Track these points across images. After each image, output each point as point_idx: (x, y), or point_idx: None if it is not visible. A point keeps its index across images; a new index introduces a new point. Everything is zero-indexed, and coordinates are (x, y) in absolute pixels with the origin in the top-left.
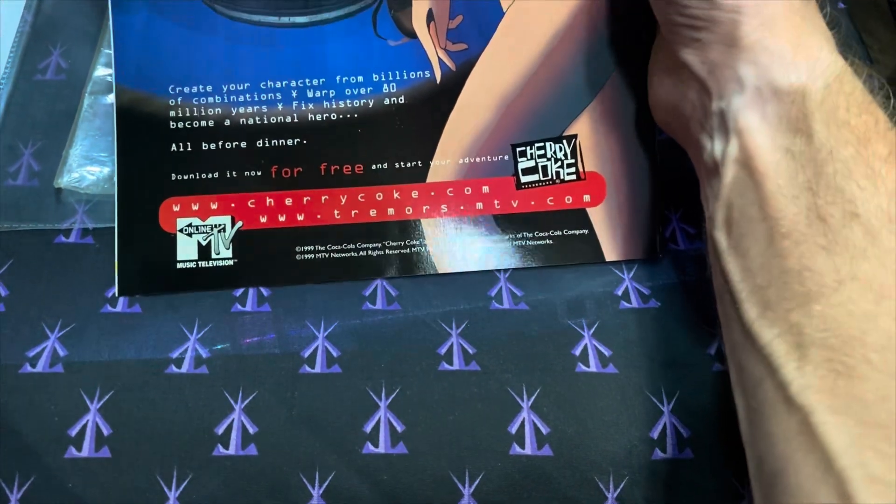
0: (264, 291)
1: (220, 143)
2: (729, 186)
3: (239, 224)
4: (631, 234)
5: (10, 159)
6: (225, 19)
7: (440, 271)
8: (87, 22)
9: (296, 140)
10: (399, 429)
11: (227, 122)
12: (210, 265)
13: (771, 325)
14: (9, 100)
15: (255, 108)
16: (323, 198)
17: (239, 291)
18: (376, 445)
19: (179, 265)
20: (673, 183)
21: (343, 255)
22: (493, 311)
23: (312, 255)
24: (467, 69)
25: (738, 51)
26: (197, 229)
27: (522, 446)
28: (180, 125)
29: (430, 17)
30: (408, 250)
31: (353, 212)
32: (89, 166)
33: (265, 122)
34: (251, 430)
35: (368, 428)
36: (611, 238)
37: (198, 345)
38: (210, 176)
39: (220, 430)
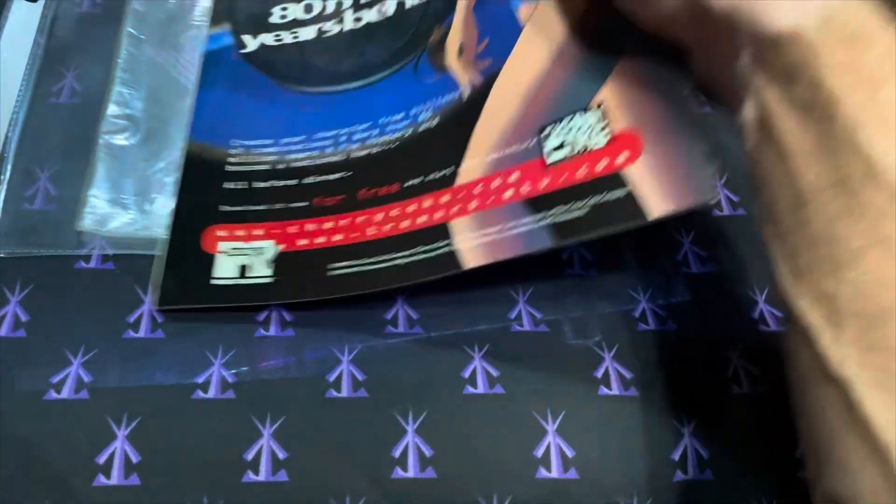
0: (287, 316)
1: (271, 182)
2: (753, 152)
3: (280, 247)
4: (679, 182)
5: (27, 183)
6: (292, 94)
7: (467, 267)
8: (98, 46)
9: (339, 174)
10: (427, 453)
11: (280, 166)
12: (247, 282)
13: (804, 294)
14: (24, 123)
15: (307, 153)
16: (359, 218)
17: (262, 316)
18: (405, 470)
19: (214, 281)
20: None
21: (373, 266)
22: (515, 333)
23: (345, 270)
24: (492, 79)
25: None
26: (239, 251)
27: (549, 470)
28: (236, 168)
29: (461, 50)
30: (434, 252)
31: (386, 226)
32: (112, 209)
33: (314, 164)
34: (280, 455)
35: (397, 453)
36: (657, 191)
37: (223, 369)
38: (257, 208)
39: (250, 457)
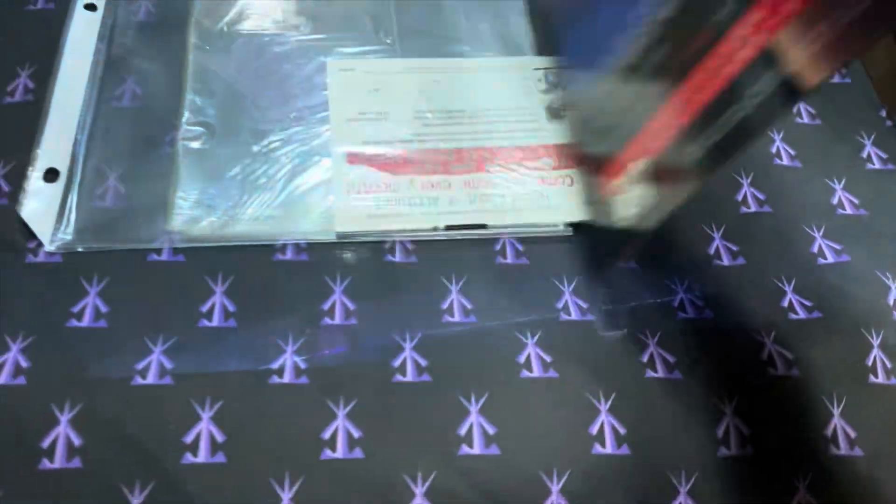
0: (350, 305)
1: None
2: None
3: None
4: None
5: (97, 182)
6: None
7: None
8: (155, 52)
9: None
10: (490, 431)
11: None
12: None
13: None
14: (91, 126)
15: None
16: None
17: (327, 305)
18: (471, 447)
19: None
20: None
21: None
22: (563, 322)
23: None
24: None
25: None
26: None
27: (603, 446)
28: None
29: None
30: None
31: None
32: (198, 210)
33: None
34: (356, 434)
35: (462, 431)
36: None
37: (294, 356)
38: None
39: (327, 436)
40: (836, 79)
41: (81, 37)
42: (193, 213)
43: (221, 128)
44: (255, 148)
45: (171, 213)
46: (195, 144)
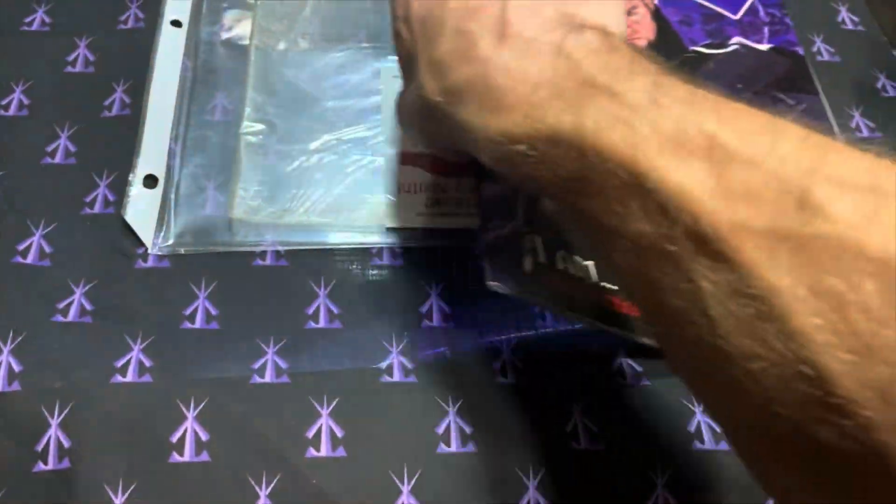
0: (446, 308)
1: None
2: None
3: None
4: None
5: (197, 192)
6: None
7: None
8: (237, 66)
9: None
10: (467, 431)
11: None
12: None
13: None
14: (184, 137)
15: None
16: None
17: (425, 308)
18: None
19: None
20: None
21: None
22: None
23: None
24: None
25: None
26: None
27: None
28: None
29: None
30: None
31: None
32: (258, 201)
33: None
34: (467, 430)
35: (441, 430)
36: None
37: (400, 356)
38: None
39: (441, 430)
40: None
41: (169, 52)
42: (253, 203)
43: (281, 125)
44: (312, 145)
45: (234, 203)
46: (255, 139)
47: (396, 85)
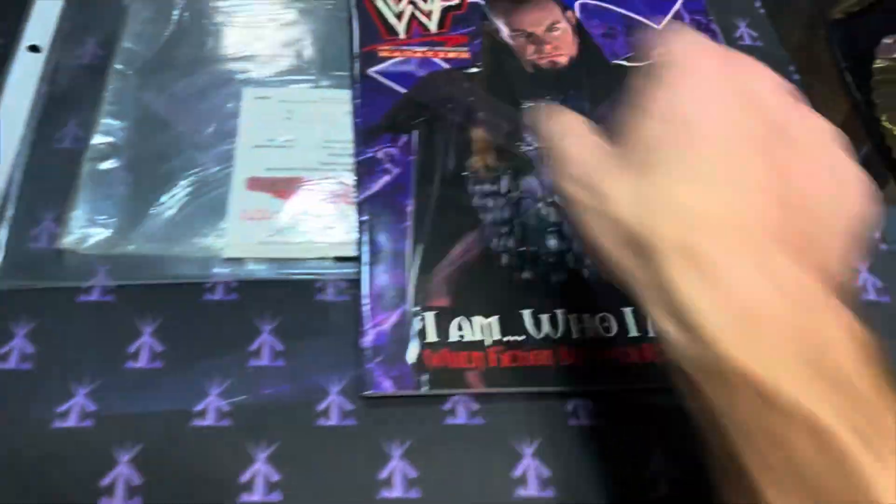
0: (277, 346)
1: None
2: None
3: None
4: None
5: (31, 224)
6: None
7: None
8: (94, 92)
9: None
10: (412, 475)
11: None
12: None
13: None
14: (27, 166)
15: None
16: None
17: (255, 346)
18: (390, 491)
19: None
20: None
21: None
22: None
23: None
24: None
25: None
26: None
27: (526, 488)
28: None
29: None
30: None
31: None
32: (91, 228)
33: None
34: (273, 478)
35: (384, 475)
36: None
37: (217, 399)
38: None
39: (244, 479)
40: None
41: (23, 79)
42: (86, 230)
43: (128, 150)
44: (159, 170)
45: (64, 233)
46: (99, 165)
47: (257, 107)
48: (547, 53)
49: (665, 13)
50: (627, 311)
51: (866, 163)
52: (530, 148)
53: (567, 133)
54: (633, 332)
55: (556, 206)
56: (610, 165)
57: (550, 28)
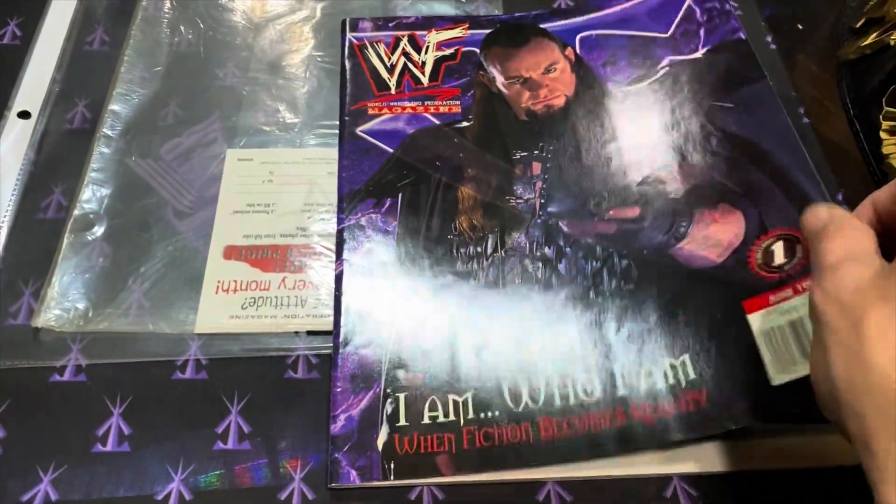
0: (244, 428)
1: None
2: None
3: None
4: None
5: (11, 298)
6: None
7: None
8: (80, 157)
9: None
10: None
11: None
12: None
13: None
14: (9, 238)
15: None
16: None
17: (220, 428)
18: None
19: None
20: None
21: None
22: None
23: None
24: None
25: None
26: None
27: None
28: None
29: None
30: None
31: None
32: (67, 303)
33: None
34: None
35: None
36: None
37: (181, 485)
38: None
39: None
40: None
41: (12, 146)
42: (62, 306)
43: (110, 218)
44: (139, 240)
45: (40, 310)
46: (80, 236)
47: (239, 169)
48: (542, 98)
49: (671, 21)
50: (615, 367)
51: None
52: (520, 201)
53: (849, 255)
54: (621, 391)
55: (544, 260)
56: (881, 295)
57: (548, 70)
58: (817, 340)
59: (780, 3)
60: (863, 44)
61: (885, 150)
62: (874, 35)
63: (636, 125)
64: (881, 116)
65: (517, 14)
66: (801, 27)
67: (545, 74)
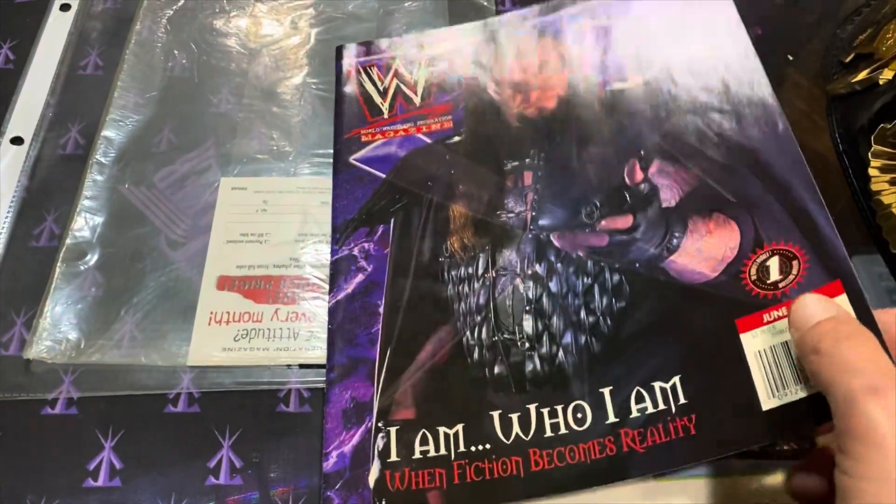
0: (236, 462)
1: None
2: None
3: None
4: None
5: (3, 329)
6: None
7: None
8: (73, 184)
9: None
10: None
11: None
12: None
13: None
14: (1, 266)
15: None
16: None
17: (213, 463)
18: None
19: None
20: None
21: None
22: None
23: None
24: None
25: None
26: None
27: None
28: None
29: None
30: None
31: None
32: (59, 334)
33: None
34: None
35: None
36: None
37: None
38: None
39: None
40: None
41: (5, 172)
42: (54, 337)
43: (102, 248)
44: (132, 270)
45: (32, 341)
46: (72, 266)
47: (235, 199)
48: (534, 102)
49: None
50: (605, 392)
51: None
52: (511, 215)
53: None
54: (611, 418)
55: (535, 279)
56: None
57: (541, 68)
58: None
59: (769, 30)
60: (853, 80)
61: (873, 187)
62: (864, 72)
63: (630, 128)
64: (870, 153)
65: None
66: (790, 58)
67: (538, 74)
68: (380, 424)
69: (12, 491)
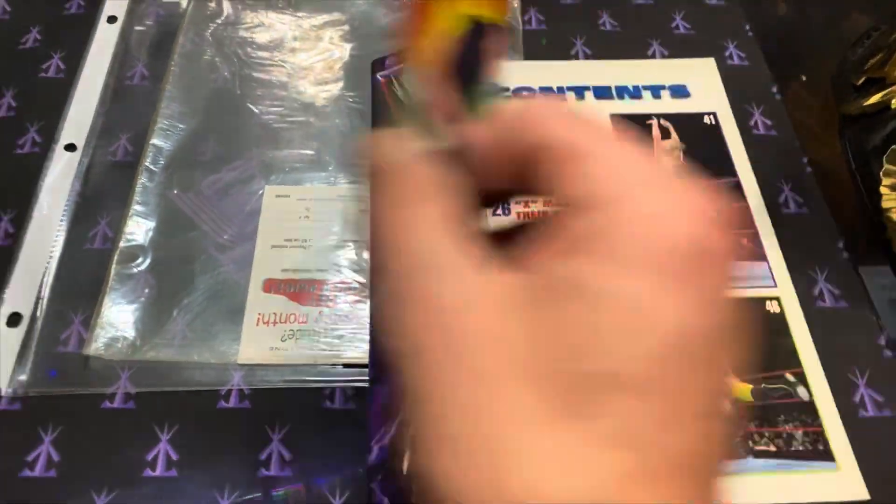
0: (285, 455)
1: None
2: None
3: None
4: None
5: (61, 327)
6: None
7: None
8: (124, 190)
9: None
10: None
11: None
12: None
13: None
14: (59, 268)
15: None
16: None
17: (264, 455)
18: None
19: None
20: None
21: None
22: None
23: None
24: None
25: None
26: None
27: None
28: None
29: None
30: None
31: None
32: (116, 333)
33: None
34: None
35: None
36: None
37: None
38: None
39: None
40: None
41: (59, 178)
42: (111, 339)
43: (154, 251)
44: (182, 272)
45: (91, 339)
46: (125, 267)
47: (277, 205)
48: None
49: None
50: None
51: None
52: None
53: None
54: None
55: None
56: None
57: None
58: None
59: (782, 50)
60: (865, 103)
61: (884, 205)
62: (876, 96)
63: None
64: (882, 173)
65: None
66: (804, 78)
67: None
68: None
69: (76, 480)
